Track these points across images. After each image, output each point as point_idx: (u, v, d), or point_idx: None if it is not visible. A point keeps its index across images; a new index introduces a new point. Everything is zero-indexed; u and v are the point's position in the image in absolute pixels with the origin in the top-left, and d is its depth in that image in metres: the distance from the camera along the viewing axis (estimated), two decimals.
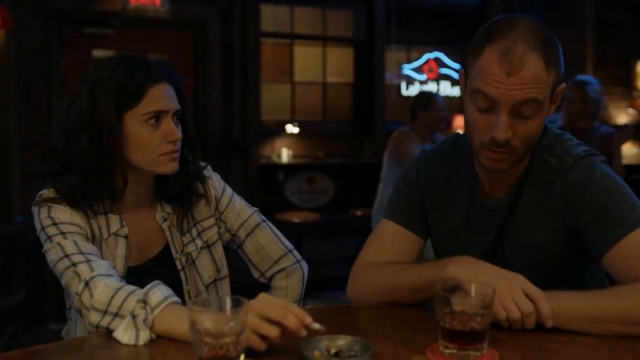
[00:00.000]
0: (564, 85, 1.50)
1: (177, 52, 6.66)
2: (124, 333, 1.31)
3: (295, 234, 5.50)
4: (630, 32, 7.46)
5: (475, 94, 1.45)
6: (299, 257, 1.89)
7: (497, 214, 1.58)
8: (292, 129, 7.27)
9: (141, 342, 1.30)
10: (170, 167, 1.63)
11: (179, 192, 1.73)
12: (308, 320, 1.21)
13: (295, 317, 1.21)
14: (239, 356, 1.12)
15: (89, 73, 1.63)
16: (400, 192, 1.73)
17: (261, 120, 7.02)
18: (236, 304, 1.14)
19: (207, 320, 1.10)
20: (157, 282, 1.37)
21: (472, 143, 1.52)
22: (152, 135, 1.60)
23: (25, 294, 4.39)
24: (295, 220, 5.69)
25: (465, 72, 1.52)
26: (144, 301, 1.33)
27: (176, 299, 1.35)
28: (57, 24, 5.91)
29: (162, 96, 1.60)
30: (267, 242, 1.85)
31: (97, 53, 6.22)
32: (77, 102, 1.62)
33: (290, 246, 1.89)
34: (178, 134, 1.62)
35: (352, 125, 7.74)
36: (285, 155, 7.08)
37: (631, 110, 7.61)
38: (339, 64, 7.75)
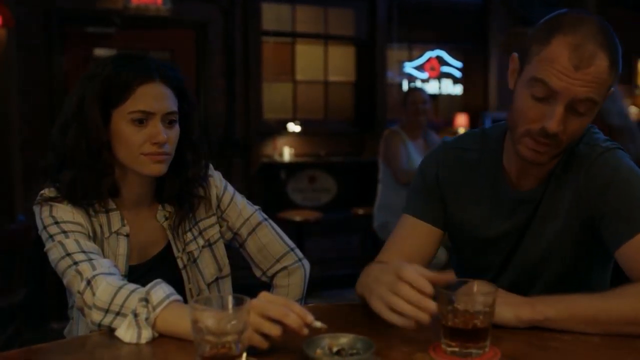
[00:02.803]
0: (613, 89, 1.48)
1: (178, 50, 6.67)
2: (126, 332, 1.31)
3: (296, 233, 5.50)
4: (631, 29, 7.45)
5: (535, 82, 1.42)
6: (300, 255, 1.89)
7: (526, 205, 1.59)
8: (293, 127, 7.27)
9: (143, 340, 1.30)
10: (153, 168, 1.61)
11: (177, 195, 1.73)
12: (309, 318, 1.21)
13: (297, 315, 1.21)
14: (241, 355, 1.12)
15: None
16: (418, 186, 1.73)
17: (262, 119, 7.03)
18: (238, 303, 1.14)
19: (209, 319, 1.10)
20: (158, 280, 1.37)
21: (515, 131, 1.49)
22: (136, 135, 1.58)
23: (26, 292, 4.39)
24: (297, 218, 5.69)
25: (522, 58, 1.49)
26: (146, 299, 1.33)
27: (178, 297, 1.35)
28: (58, 23, 5.91)
29: (150, 96, 1.58)
30: (269, 241, 1.85)
31: (99, 52, 6.24)
32: (70, 97, 1.62)
33: (292, 245, 1.89)
34: (163, 136, 1.58)
35: (353, 123, 7.74)
36: (286, 153, 7.08)
37: (633, 108, 7.61)
38: (340, 63, 7.75)
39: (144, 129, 1.58)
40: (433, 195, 1.70)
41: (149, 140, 1.58)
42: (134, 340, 1.30)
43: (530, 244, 1.59)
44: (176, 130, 1.64)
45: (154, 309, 1.31)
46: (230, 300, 1.15)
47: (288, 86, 7.51)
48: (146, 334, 1.30)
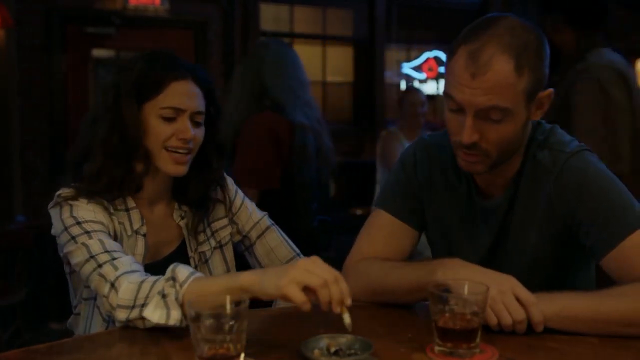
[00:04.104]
0: (550, 90, 1.45)
1: (177, 51, 6.61)
2: (153, 312, 1.31)
3: None
4: (630, 29, 7.45)
5: (446, 96, 1.43)
6: None
7: (494, 215, 1.55)
8: None
9: (172, 321, 1.29)
10: (173, 169, 1.63)
11: (198, 197, 1.74)
12: (347, 301, 1.21)
13: (332, 292, 1.20)
14: (239, 355, 1.13)
15: (115, 64, 1.67)
16: (397, 181, 1.68)
17: None
18: (237, 303, 1.14)
19: (208, 319, 1.10)
20: (176, 263, 1.38)
21: (451, 142, 1.49)
22: (164, 128, 1.60)
23: (26, 293, 4.40)
24: None
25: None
26: (173, 278, 1.33)
27: (200, 274, 1.36)
28: (58, 23, 5.91)
29: (182, 93, 1.61)
30: (277, 245, 1.87)
31: (98, 52, 6.23)
32: (103, 90, 1.66)
33: (297, 250, 1.90)
34: (191, 133, 1.61)
35: (352, 124, 7.74)
36: None
37: None
38: (338, 63, 7.76)
39: (173, 124, 1.60)
40: (411, 192, 1.65)
41: (175, 135, 1.60)
42: (162, 321, 1.30)
43: (506, 257, 1.55)
44: (202, 130, 1.66)
45: (182, 285, 1.31)
46: (228, 300, 1.16)
47: None
48: (175, 315, 1.30)
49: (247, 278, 1.27)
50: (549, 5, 3.05)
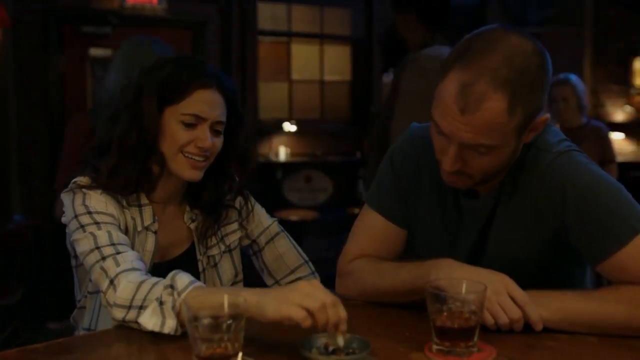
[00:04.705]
0: (547, 116, 1.39)
1: (175, 50, 6.65)
2: (149, 319, 1.31)
3: (293, 232, 5.49)
4: (629, 29, 7.44)
5: (432, 118, 1.37)
6: (313, 268, 1.90)
7: (479, 214, 1.51)
8: (289, 127, 7.26)
9: (166, 329, 1.29)
10: (188, 173, 1.63)
11: (211, 204, 1.74)
12: (342, 327, 1.21)
13: (329, 316, 1.20)
14: (237, 354, 1.13)
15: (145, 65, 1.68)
16: (386, 178, 1.64)
17: (259, 118, 7.02)
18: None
19: (206, 319, 1.10)
20: (178, 270, 1.37)
21: (436, 157, 1.44)
22: (183, 134, 1.60)
23: (24, 292, 4.39)
24: (294, 218, 5.70)
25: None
26: (171, 286, 1.32)
27: (200, 283, 1.35)
28: (55, 22, 5.90)
29: (205, 102, 1.61)
30: (286, 251, 1.87)
31: (95, 52, 6.21)
32: (126, 87, 1.67)
33: (306, 257, 1.90)
34: (210, 142, 1.61)
35: (349, 123, 7.73)
36: (282, 153, 7.08)
37: (628, 108, 7.61)
38: (336, 62, 7.75)
39: (192, 131, 1.61)
40: (401, 190, 1.61)
41: (194, 143, 1.61)
42: (157, 329, 1.29)
43: (489, 257, 1.50)
44: (220, 139, 1.67)
45: (180, 294, 1.30)
46: (226, 300, 1.15)
47: (284, 86, 7.51)
48: (170, 324, 1.29)
49: (246, 297, 1.25)
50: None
